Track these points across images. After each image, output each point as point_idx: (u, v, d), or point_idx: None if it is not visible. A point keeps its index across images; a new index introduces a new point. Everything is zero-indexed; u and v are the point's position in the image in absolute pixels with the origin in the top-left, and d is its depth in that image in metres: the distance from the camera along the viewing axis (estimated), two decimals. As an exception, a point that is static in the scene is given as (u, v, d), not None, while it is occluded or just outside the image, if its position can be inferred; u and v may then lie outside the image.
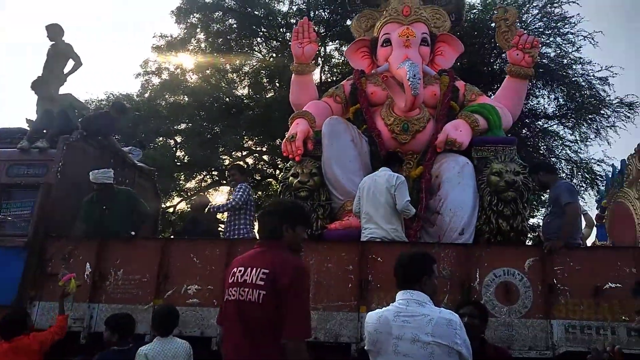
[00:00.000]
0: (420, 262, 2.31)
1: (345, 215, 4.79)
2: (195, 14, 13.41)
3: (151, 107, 13.35)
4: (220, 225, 8.27)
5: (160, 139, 13.69)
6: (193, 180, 14.68)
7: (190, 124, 13.44)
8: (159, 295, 4.20)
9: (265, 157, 14.70)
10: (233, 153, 14.15)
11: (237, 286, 2.05)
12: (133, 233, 4.81)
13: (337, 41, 13.75)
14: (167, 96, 13.95)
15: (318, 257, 4.02)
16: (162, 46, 13.64)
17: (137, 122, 12.45)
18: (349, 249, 4.07)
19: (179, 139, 14.08)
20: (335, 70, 13.83)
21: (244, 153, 14.30)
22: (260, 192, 14.59)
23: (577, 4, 11.01)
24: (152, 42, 13.98)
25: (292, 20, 13.24)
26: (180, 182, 14.30)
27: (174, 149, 14.02)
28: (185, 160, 13.75)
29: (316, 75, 13.64)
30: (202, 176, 14.77)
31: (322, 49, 13.82)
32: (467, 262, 4.00)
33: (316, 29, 13.59)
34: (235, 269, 2.11)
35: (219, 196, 15.47)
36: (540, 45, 11.47)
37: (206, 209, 5.99)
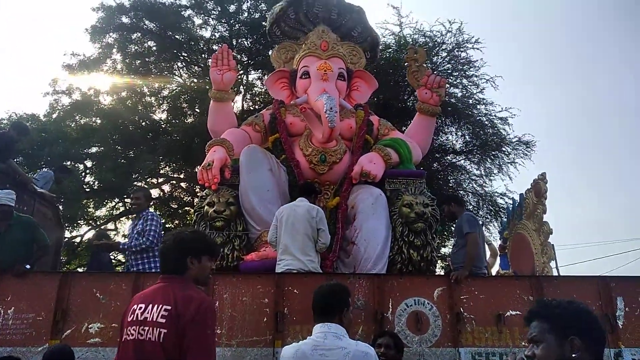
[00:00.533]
0: (339, 295, 2.33)
1: (262, 246, 4.73)
2: (111, 34, 12.91)
3: (59, 129, 12.49)
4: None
5: (68, 163, 12.81)
6: (103, 208, 13.83)
7: (102, 148, 12.73)
8: (55, 336, 3.80)
9: (183, 185, 14.24)
10: (148, 179, 13.57)
11: (137, 325, 1.91)
12: (28, 266, 4.38)
13: (259, 70, 13.86)
14: (77, 117, 13.16)
15: (233, 290, 3.88)
16: (74, 65, 12.91)
17: (42, 145, 11.60)
18: (264, 282, 3.97)
19: (89, 164, 13.26)
20: (257, 98, 13.88)
21: (160, 180, 13.75)
22: (177, 221, 14.05)
23: (480, 50, 12.09)
24: (64, 61, 13.20)
25: (214, 47, 13.17)
26: (89, 209, 13.41)
27: (83, 173, 13.17)
28: (95, 187, 12.95)
29: (238, 103, 13.61)
30: (114, 204, 13.96)
31: (244, 77, 13.85)
32: (381, 292, 4.06)
33: (239, 57, 13.70)
34: (135, 306, 1.98)
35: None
36: (447, 85, 12.41)
37: (111, 248, 5.57)
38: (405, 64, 5.96)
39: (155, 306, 1.91)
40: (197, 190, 12.94)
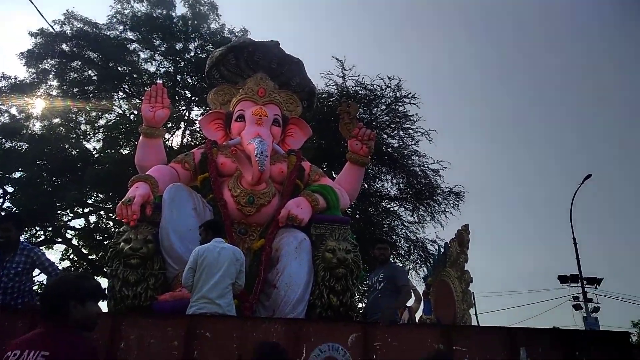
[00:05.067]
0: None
1: (179, 286, 4.60)
2: (49, 60, 12.52)
3: (-21, 152, 11.81)
4: None
5: (-14, 188, 12.06)
6: (22, 237, 12.97)
7: (26, 173, 12.09)
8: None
9: (111, 215, 13.70)
10: (75, 208, 12.97)
11: (9, 372, 1.81)
12: None
13: (202, 107, 13.86)
14: (2, 140, 12.51)
15: (139, 332, 3.73)
16: (4, 88, 12.35)
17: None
18: (175, 324, 3.86)
19: (10, 189, 12.53)
20: (197, 134, 13.80)
21: (87, 210, 13.16)
22: (102, 253, 13.41)
23: (417, 105, 12.79)
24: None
25: (158, 81, 13.08)
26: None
27: (2, 199, 12.40)
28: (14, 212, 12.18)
29: (178, 138, 13.48)
30: (35, 232, 13.18)
31: (187, 113, 13.80)
32: (296, 337, 4.05)
33: (182, 92, 13.67)
34: (9, 353, 1.87)
35: (52, 254, 13.87)
36: (384, 136, 12.95)
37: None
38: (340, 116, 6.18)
39: (33, 352, 1.83)
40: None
